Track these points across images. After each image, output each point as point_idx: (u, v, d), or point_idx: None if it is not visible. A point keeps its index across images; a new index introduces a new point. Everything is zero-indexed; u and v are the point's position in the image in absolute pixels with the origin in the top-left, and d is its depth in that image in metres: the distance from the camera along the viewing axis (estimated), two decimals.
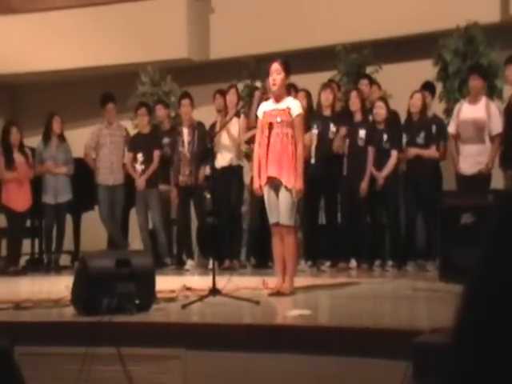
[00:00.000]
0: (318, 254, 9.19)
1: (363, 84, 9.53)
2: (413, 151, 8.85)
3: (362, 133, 8.99)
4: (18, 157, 9.97)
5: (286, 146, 6.32)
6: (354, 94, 9.13)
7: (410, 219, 8.96)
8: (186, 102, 9.87)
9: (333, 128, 9.14)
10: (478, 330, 0.92)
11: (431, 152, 8.89)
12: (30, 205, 9.94)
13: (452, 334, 0.95)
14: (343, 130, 9.03)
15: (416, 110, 8.92)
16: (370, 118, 9.24)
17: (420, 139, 8.89)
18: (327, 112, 9.24)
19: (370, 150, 8.95)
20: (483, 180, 8.33)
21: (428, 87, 9.40)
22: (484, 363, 0.91)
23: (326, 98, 9.19)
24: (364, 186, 8.90)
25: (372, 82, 9.71)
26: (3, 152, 9.95)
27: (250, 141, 9.14)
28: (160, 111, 10.29)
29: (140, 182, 9.89)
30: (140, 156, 9.94)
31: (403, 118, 9.22)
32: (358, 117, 9.08)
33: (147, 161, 9.91)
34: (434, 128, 9.02)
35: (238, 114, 9.06)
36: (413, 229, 8.96)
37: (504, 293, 0.91)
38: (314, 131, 9.07)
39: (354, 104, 9.06)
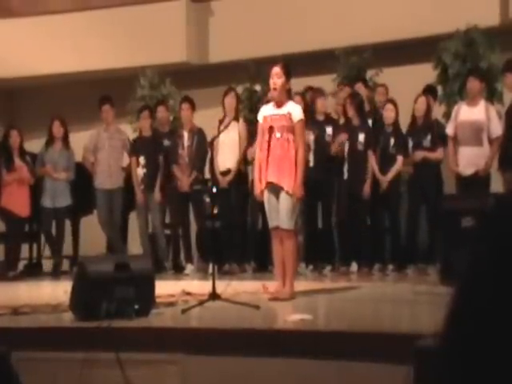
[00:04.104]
0: (319, 258, 9.17)
1: (359, 87, 9.53)
2: (420, 154, 8.84)
3: (361, 137, 9.00)
4: (18, 161, 9.94)
5: (287, 152, 6.29)
6: (348, 100, 9.13)
7: (412, 222, 8.93)
8: (186, 106, 9.82)
9: (329, 131, 9.24)
10: (466, 333, 0.92)
11: (438, 154, 8.88)
12: (29, 210, 9.91)
13: (441, 336, 0.95)
14: (343, 136, 9.05)
15: (421, 113, 8.91)
16: (370, 121, 9.26)
17: (426, 142, 8.88)
18: (321, 117, 9.35)
19: (370, 154, 8.96)
20: (482, 182, 8.34)
21: (429, 91, 9.37)
22: (473, 366, 0.90)
23: (322, 104, 9.40)
24: (367, 189, 8.89)
25: (367, 85, 9.71)
26: (3, 154, 9.92)
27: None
28: (161, 112, 10.25)
29: (140, 196, 9.85)
30: (142, 159, 9.89)
31: (404, 121, 9.19)
32: (355, 121, 9.07)
33: (149, 164, 9.85)
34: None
35: (236, 118, 9.02)
36: (414, 232, 8.93)
37: (492, 298, 0.91)
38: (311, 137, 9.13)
39: (350, 109, 9.06)
